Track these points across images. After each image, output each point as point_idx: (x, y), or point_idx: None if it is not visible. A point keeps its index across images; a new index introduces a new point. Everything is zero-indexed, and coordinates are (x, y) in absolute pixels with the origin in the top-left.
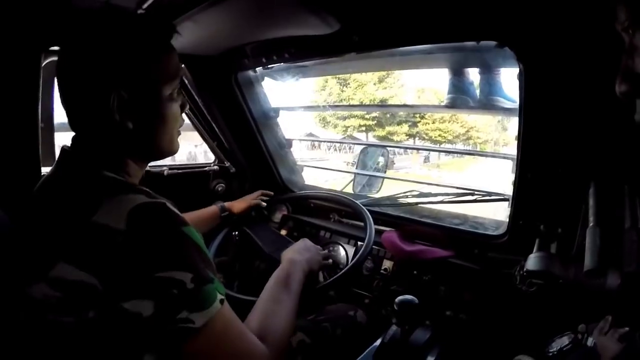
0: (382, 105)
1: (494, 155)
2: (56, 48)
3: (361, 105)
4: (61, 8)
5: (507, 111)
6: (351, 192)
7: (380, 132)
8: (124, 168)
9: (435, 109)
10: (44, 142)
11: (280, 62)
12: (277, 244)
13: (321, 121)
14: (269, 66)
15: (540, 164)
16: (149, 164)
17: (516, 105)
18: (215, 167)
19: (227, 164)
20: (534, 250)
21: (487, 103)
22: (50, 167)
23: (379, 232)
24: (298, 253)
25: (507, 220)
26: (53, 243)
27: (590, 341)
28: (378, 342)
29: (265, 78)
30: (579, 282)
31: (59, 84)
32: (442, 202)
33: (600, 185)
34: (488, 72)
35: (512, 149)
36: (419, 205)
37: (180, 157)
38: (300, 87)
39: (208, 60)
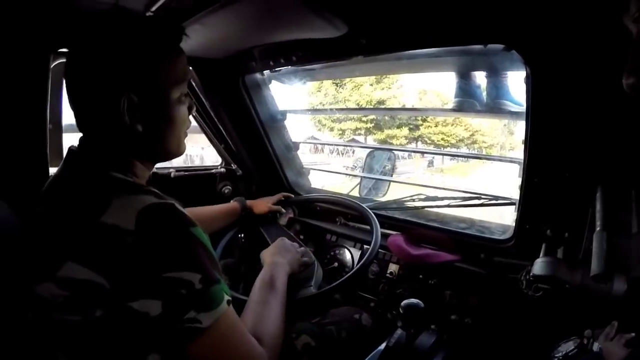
0: (389, 108)
1: (500, 159)
2: (65, 50)
3: (368, 109)
4: (70, 10)
5: (514, 115)
6: (357, 195)
7: (379, 136)
8: (131, 169)
9: (443, 113)
10: (52, 143)
11: (288, 65)
12: None
13: (317, 124)
14: (277, 69)
15: (547, 168)
16: (156, 166)
17: (523, 108)
18: (222, 169)
19: (234, 166)
20: (541, 255)
21: (494, 106)
22: (57, 167)
23: (385, 236)
24: (279, 255)
25: (514, 224)
26: (61, 243)
27: (596, 346)
28: (383, 345)
29: (273, 81)
30: (586, 287)
31: (67, 86)
32: (448, 206)
33: (607, 189)
34: (495, 76)
35: (519, 153)
36: (426, 209)
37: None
38: (295, 89)
39: (216, 63)
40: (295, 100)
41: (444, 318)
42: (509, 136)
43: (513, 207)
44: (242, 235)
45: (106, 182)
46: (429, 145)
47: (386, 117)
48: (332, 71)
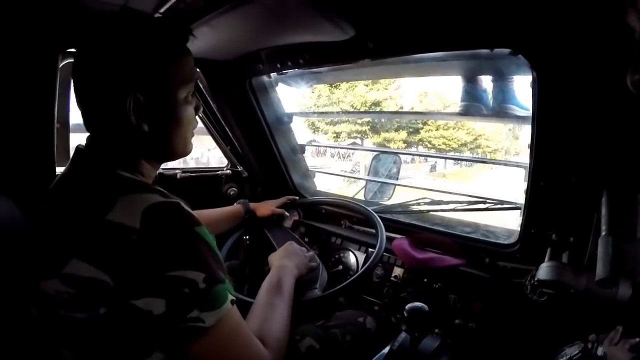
0: (396, 112)
1: (506, 163)
2: (73, 50)
3: (376, 112)
4: (78, 11)
5: (520, 119)
6: (362, 198)
7: (376, 139)
8: (137, 168)
9: (449, 117)
10: (59, 143)
11: (295, 68)
12: None
13: (311, 126)
14: (283, 72)
15: (553, 172)
16: (162, 167)
17: (529, 113)
18: (228, 171)
19: (240, 168)
20: (546, 260)
21: (500, 111)
22: (64, 167)
23: (389, 239)
24: (287, 258)
25: (519, 229)
26: (67, 240)
27: (600, 351)
28: (387, 349)
29: (279, 83)
30: (590, 292)
31: (75, 86)
32: (453, 210)
33: (613, 194)
34: (501, 80)
35: (524, 158)
36: (431, 212)
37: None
38: (287, 90)
39: (223, 64)
40: (286, 102)
41: (448, 322)
42: (513, 141)
43: (518, 211)
44: (247, 237)
45: (112, 181)
46: (430, 149)
47: (382, 120)
48: (339, 74)
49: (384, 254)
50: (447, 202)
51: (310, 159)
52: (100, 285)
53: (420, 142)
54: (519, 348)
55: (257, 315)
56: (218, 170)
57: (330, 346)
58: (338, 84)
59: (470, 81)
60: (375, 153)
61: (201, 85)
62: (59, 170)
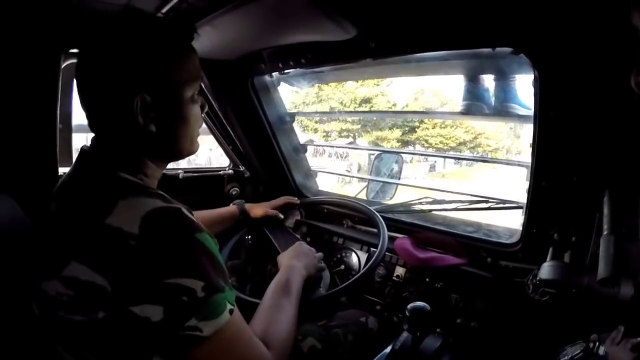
0: (398, 111)
1: (508, 162)
2: (76, 50)
3: (378, 112)
4: (80, 11)
5: (522, 118)
6: (365, 198)
7: (368, 138)
8: (142, 169)
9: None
10: (61, 143)
11: (297, 68)
12: None
13: (299, 124)
14: (285, 71)
15: (555, 171)
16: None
17: (531, 112)
18: (230, 171)
19: (242, 168)
20: (548, 259)
21: (502, 110)
22: (67, 167)
23: (391, 239)
24: (296, 259)
25: (521, 228)
26: (67, 242)
27: (602, 350)
28: (389, 348)
29: (281, 83)
30: (592, 291)
31: (79, 87)
32: (455, 209)
33: (615, 193)
34: (503, 79)
35: (525, 157)
36: (433, 212)
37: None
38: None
39: (225, 64)
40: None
41: (450, 322)
42: (515, 139)
43: (520, 211)
44: (249, 237)
45: (114, 183)
46: (427, 149)
47: (374, 118)
48: (341, 74)
49: (386, 253)
50: (449, 202)
51: (309, 159)
52: (98, 289)
53: (417, 141)
54: (520, 347)
55: (263, 317)
56: (220, 170)
57: (332, 346)
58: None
59: (472, 80)
60: (377, 153)
61: (203, 85)
62: (62, 170)
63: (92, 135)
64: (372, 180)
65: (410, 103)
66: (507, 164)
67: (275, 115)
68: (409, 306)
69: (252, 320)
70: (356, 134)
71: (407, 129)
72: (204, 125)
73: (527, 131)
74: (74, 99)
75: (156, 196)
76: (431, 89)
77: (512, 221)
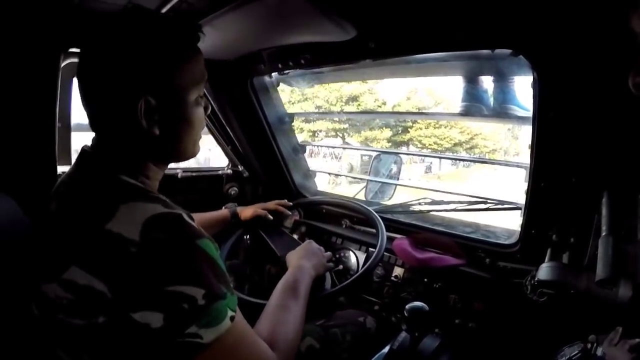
0: (397, 112)
1: (507, 163)
2: (75, 50)
3: (376, 112)
4: (80, 10)
5: (521, 120)
6: (363, 198)
7: (356, 138)
8: (143, 171)
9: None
10: (60, 142)
11: (296, 68)
12: (291, 247)
13: None
14: (285, 72)
15: (554, 172)
16: None
17: (530, 113)
18: (229, 170)
19: (241, 168)
20: (546, 260)
21: (501, 111)
22: (65, 166)
23: (390, 239)
24: (305, 258)
25: (519, 229)
26: (67, 246)
27: (600, 351)
28: (387, 348)
29: (281, 84)
30: (590, 292)
31: (80, 87)
32: (454, 210)
33: (613, 195)
34: (502, 80)
35: (523, 158)
36: (431, 213)
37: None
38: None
39: (224, 64)
40: None
41: (449, 322)
42: (513, 141)
43: (518, 212)
44: (248, 237)
45: (115, 187)
46: (421, 150)
47: (368, 118)
48: (341, 74)
49: (385, 253)
50: (448, 202)
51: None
52: (98, 295)
53: (410, 142)
54: (518, 348)
55: (269, 317)
56: (219, 170)
57: (330, 346)
58: None
59: (471, 81)
60: (376, 153)
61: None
62: (60, 169)
63: (90, 134)
64: (370, 180)
65: (402, 102)
66: (506, 165)
67: (275, 115)
68: (407, 306)
69: (258, 320)
70: (345, 134)
71: (399, 129)
72: None
73: (525, 132)
74: (73, 98)
75: (157, 201)
76: (424, 87)
77: (511, 222)
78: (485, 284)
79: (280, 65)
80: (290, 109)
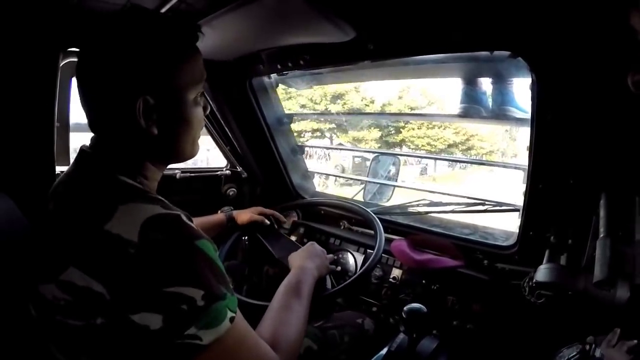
0: (394, 113)
1: (505, 165)
2: (74, 49)
3: (374, 114)
4: (79, 9)
5: (519, 121)
6: (362, 199)
7: (343, 139)
8: (142, 171)
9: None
10: (59, 142)
11: (295, 69)
12: (288, 249)
13: None
14: (284, 73)
15: (552, 174)
16: None
17: (528, 115)
18: (227, 171)
19: (239, 168)
20: (544, 262)
21: (500, 113)
22: (64, 166)
23: (388, 241)
24: (308, 259)
25: (517, 231)
26: (66, 246)
27: (598, 352)
28: (385, 350)
29: (279, 84)
30: (588, 294)
31: (79, 86)
32: (452, 211)
33: (611, 196)
34: (501, 82)
35: (521, 160)
36: (429, 214)
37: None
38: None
39: (223, 65)
40: None
41: (447, 323)
42: (510, 142)
43: (516, 213)
44: (246, 238)
45: (113, 187)
46: (414, 151)
47: (347, 116)
48: (339, 75)
49: (383, 255)
50: (446, 204)
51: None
52: (96, 296)
53: (403, 143)
54: (517, 349)
55: (272, 318)
56: (217, 171)
57: (328, 347)
58: None
59: (470, 83)
60: (375, 154)
61: None
62: (59, 169)
63: (89, 134)
64: (369, 182)
65: (393, 101)
66: (504, 167)
67: (273, 116)
68: (405, 308)
69: (261, 321)
70: (332, 134)
71: (391, 129)
72: None
73: (522, 134)
74: (71, 98)
75: (156, 202)
76: (417, 86)
77: (509, 224)
78: (483, 286)
79: (279, 66)
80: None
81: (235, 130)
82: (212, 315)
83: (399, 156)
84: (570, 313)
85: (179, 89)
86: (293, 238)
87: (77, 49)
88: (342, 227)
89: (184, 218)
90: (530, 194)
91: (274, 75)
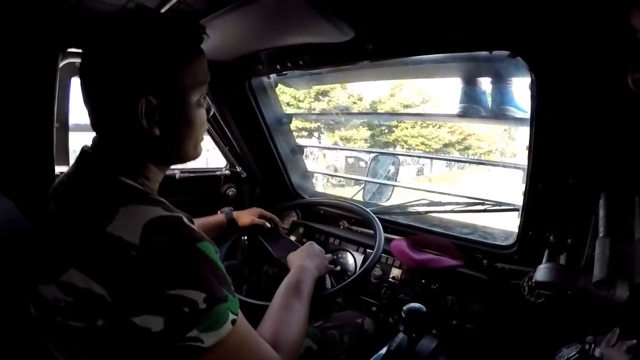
0: (394, 113)
1: (505, 165)
2: (74, 50)
3: (374, 113)
4: (78, 9)
5: (519, 121)
6: (361, 199)
7: (331, 139)
8: (144, 172)
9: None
10: (58, 142)
11: (295, 69)
12: (287, 249)
13: None
14: (283, 73)
15: (551, 174)
16: None
17: (527, 115)
18: (227, 171)
19: (239, 168)
20: (543, 261)
21: (499, 113)
22: (63, 166)
23: (388, 240)
24: (308, 259)
25: (517, 230)
26: (66, 247)
27: (597, 352)
28: (384, 350)
29: (279, 84)
30: (588, 293)
31: (83, 85)
32: (452, 211)
33: (610, 196)
34: (500, 82)
35: (521, 160)
36: (429, 214)
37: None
38: None
39: (222, 65)
40: None
41: (446, 323)
42: (509, 142)
43: (515, 213)
44: (245, 237)
45: (114, 189)
46: (407, 151)
47: (335, 115)
48: (338, 75)
49: (382, 255)
50: (446, 204)
51: None
52: (97, 298)
53: (396, 142)
54: (516, 349)
55: (273, 318)
56: (217, 171)
57: (328, 347)
58: None
59: (469, 83)
60: (374, 154)
61: None
62: (58, 169)
63: (88, 134)
64: (368, 181)
65: (384, 99)
66: (504, 166)
67: (273, 116)
68: (404, 307)
69: (261, 321)
70: (319, 133)
71: (384, 128)
72: None
73: (521, 133)
74: (71, 98)
75: (157, 204)
76: (409, 83)
77: (508, 223)
78: (482, 285)
79: (278, 66)
80: None
81: (235, 130)
82: (213, 318)
83: (398, 156)
84: (570, 313)
85: (182, 90)
86: (292, 238)
87: (79, 49)
88: (342, 227)
89: (186, 220)
90: (529, 193)
91: (273, 76)
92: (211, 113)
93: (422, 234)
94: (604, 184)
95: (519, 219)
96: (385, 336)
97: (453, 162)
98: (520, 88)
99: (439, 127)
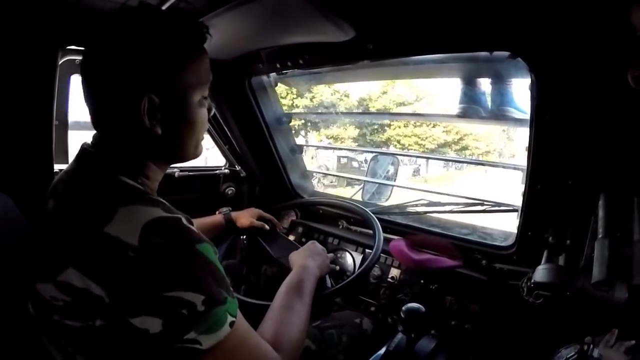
0: (393, 113)
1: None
2: (73, 47)
3: (374, 113)
4: (78, 7)
5: (518, 122)
6: (360, 199)
7: (317, 137)
8: (144, 171)
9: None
10: (57, 140)
11: (295, 68)
12: (286, 249)
13: None
14: (283, 72)
15: (551, 174)
16: None
17: (527, 115)
18: (226, 170)
19: (238, 167)
20: (542, 262)
21: (499, 113)
22: (62, 164)
23: (387, 240)
24: (310, 258)
25: (516, 231)
26: (65, 247)
27: (596, 353)
28: (383, 350)
29: (279, 84)
30: (587, 294)
31: (84, 83)
32: (451, 211)
33: (610, 197)
34: (500, 83)
35: (520, 160)
36: (428, 214)
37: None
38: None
39: (222, 64)
40: None
41: (445, 323)
42: (507, 142)
43: (514, 214)
44: (244, 237)
45: (114, 188)
46: (401, 150)
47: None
48: (339, 75)
49: (381, 255)
50: (445, 204)
51: None
52: (95, 298)
53: (389, 142)
54: (515, 350)
55: (274, 318)
56: (216, 170)
57: (326, 347)
58: None
59: (469, 83)
60: (373, 154)
61: None
62: (57, 167)
63: (87, 132)
64: (367, 181)
65: (374, 96)
66: (503, 167)
67: (272, 115)
68: (403, 307)
69: (262, 321)
70: (305, 131)
71: (376, 126)
72: None
73: (520, 134)
74: (70, 96)
75: (157, 204)
76: (404, 80)
77: (507, 224)
78: (481, 286)
79: (278, 65)
80: None
81: (234, 129)
82: (212, 321)
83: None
84: (569, 313)
85: (184, 89)
86: (291, 237)
87: (79, 46)
88: (341, 227)
89: (185, 221)
90: (529, 194)
91: (273, 75)
92: (212, 113)
93: (421, 234)
94: (603, 185)
95: (518, 220)
96: (384, 336)
97: (450, 163)
98: (520, 89)
99: (433, 127)
